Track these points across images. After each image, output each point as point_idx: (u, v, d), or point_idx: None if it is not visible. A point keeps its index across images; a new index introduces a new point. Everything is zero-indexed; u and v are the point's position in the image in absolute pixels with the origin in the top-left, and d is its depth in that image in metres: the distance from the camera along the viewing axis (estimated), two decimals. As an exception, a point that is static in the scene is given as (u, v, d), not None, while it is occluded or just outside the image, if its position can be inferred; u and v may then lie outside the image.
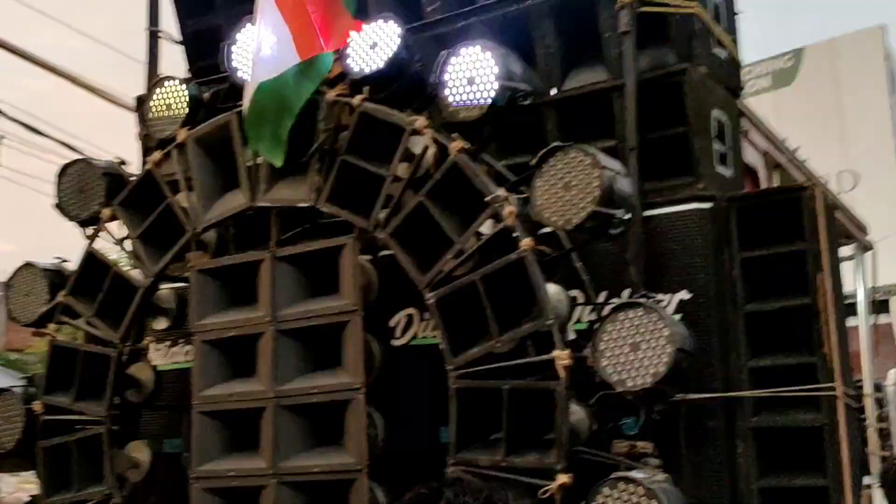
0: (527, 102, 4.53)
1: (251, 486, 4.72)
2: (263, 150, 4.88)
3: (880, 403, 7.70)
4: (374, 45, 4.82)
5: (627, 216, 4.35)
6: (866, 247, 7.94)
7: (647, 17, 4.84)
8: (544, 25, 5.11)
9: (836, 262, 4.74)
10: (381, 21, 4.87)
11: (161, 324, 5.61)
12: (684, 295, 4.60)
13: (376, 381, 4.88)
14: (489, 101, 4.41)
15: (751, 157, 5.75)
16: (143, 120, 5.44)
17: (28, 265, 5.63)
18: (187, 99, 5.30)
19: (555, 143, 4.26)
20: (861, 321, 7.97)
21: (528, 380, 4.23)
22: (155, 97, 5.41)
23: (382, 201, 4.66)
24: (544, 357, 4.19)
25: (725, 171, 4.94)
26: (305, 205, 4.87)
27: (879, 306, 9.07)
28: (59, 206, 5.56)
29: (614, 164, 4.24)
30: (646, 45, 4.92)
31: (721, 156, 4.92)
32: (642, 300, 4.13)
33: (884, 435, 7.61)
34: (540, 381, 4.22)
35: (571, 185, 4.19)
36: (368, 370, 4.75)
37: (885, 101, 22.28)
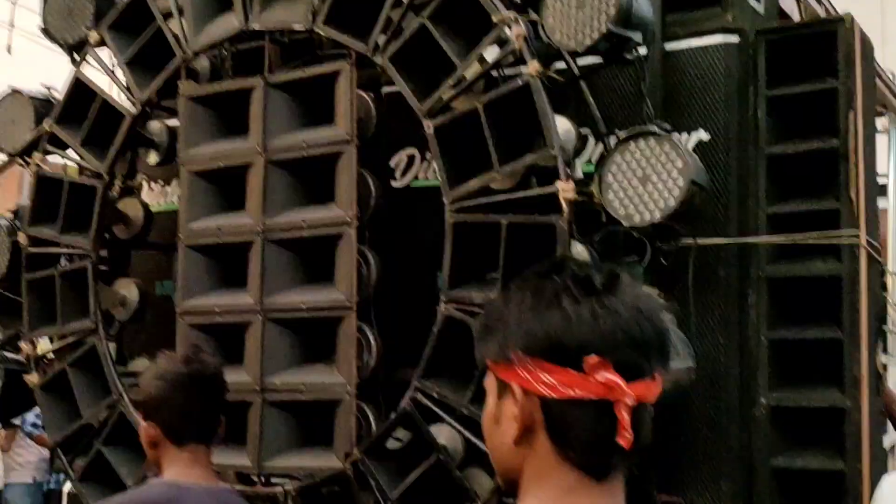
0: None
1: (238, 323, 4.52)
2: None
3: (905, 288, 7.36)
4: None
5: (644, 46, 4.00)
6: (902, 119, 7.54)
7: None
8: None
9: (870, 106, 4.39)
10: None
11: (152, 158, 5.35)
12: (702, 135, 4.28)
13: (373, 221, 4.63)
14: None
15: (785, 1, 5.34)
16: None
17: (14, 92, 5.36)
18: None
19: (570, -49, 3.89)
20: (891, 203, 7.62)
21: (526, 216, 3.95)
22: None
23: (382, 24, 4.32)
24: (546, 190, 3.91)
25: (757, 6, 4.55)
26: (301, 27, 4.54)
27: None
28: (45, 30, 5.25)
29: (632, -18, 3.87)
30: None
31: (753, -13, 4.53)
32: (654, 129, 3.81)
33: (906, 317, 7.30)
34: (540, 217, 3.94)
35: (584, 2, 3.84)
36: (363, 206, 4.49)
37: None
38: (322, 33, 4.50)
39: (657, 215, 3.69)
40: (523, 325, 1.61)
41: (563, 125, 4.10)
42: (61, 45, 5.24)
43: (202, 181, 4.75)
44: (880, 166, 7.75)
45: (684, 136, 4.27)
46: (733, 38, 4.30)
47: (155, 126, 5.32)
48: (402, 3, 4.32)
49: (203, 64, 5.11)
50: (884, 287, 6.20)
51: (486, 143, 4.02)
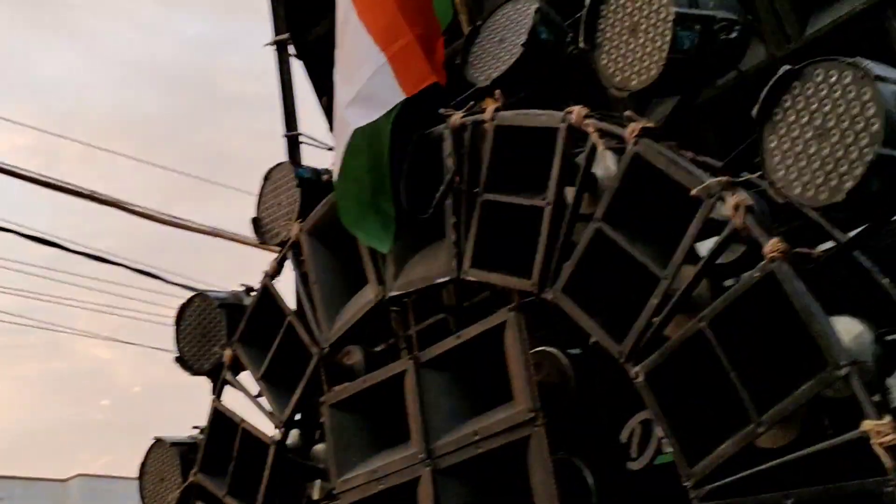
0: (733, 36, 2.83)
1: None
2: (363, 233, 3.48)
3: None
4: (502, 38, 3.35)
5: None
6: None
7: None
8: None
9: None
10: (507, 6, 3.41)
11: (316, 491, 4.15)
12: None
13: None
14: (666, 45, 2.76)
15: None
16: (259, 231, 4.19)
17: (159, 442, 4.43)
18: (296, 184, 4.02)
19: (786, 68, 2.50)
20: None
21: (827, 486, 2.35)
22: (265, 196, 4.19)
23: (544, 246, 3.04)
24: (846, 437, 2.31)
25: None
26: (444, 279, 3.35)
27: None
28: (181, 359, 4.37)
29: (898, 76, 2.41)
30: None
31: None
32: None
33: None
34: (850, 483, 2.32)
35: (828, 128, 2.40)
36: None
37: None
38: (473, 279, 3.27)
39: None
40: None
41: (849, 328, 2.55)
42: (198, 374, 4.32)
43: (365, 513, 3.47)
44: None
45: None
46: None
47: (319, 450, 4.15)
48: (567, 207, 3.05)
49: (356, 358, 3.98)
50: None
51: (728, 380, 2.52)
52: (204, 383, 4.37)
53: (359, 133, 3.47)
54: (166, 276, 10.44)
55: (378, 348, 4.15)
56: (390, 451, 3.45)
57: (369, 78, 3.47)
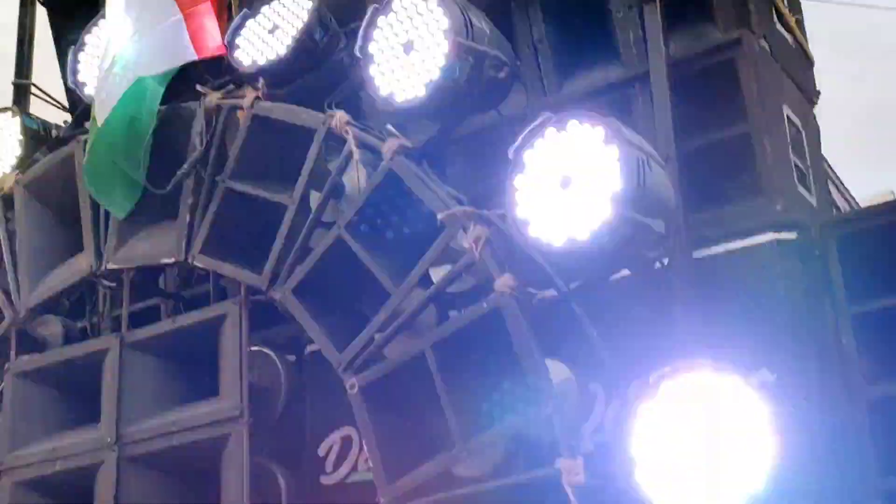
0: (501, 76, 2.92)
1: None
2: (102, 193, 3.29)
3: None
4: (275, 27, 3.28)
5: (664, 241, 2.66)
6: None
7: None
8: (531, 12, 3.52)
9: None
10: (285, -1, 3.35)
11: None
12: (766, 376, 2.83)
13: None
14: (438, 70, 2.81)
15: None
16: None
17: None
18: (20, 133, 3.72)
19: (544, 116, 2.61)
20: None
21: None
22: (-22, 143, 3.84)
23: (281, 244, 2.98)
24: (541, 473, 2.42)
25: (808, 196, 3.28)
26: (170, 261, 3.20)
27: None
28: None
29: (643, 144, 2.58)
30: (677, 22, 3.36)
31: (800, 173, 3.27)
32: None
33: None
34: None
35: (573, 178, 2.52)
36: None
37: None
38: (200, 265, 3.15)
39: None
40: None
41: (557, 371, 2.67)
42: None
43: (32, 494, 3.22)
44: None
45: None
46: (788, 235, 2.98)
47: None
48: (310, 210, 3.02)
49: (53, 329, 3.71)
50: None
51: (440, 404, 2.56)
52: None
53: (128, 90, 3.28)
54: None
55: (80, 324, 3.91)
56: (76, 431, 3.24)
57: (161, 31, 3.32)
